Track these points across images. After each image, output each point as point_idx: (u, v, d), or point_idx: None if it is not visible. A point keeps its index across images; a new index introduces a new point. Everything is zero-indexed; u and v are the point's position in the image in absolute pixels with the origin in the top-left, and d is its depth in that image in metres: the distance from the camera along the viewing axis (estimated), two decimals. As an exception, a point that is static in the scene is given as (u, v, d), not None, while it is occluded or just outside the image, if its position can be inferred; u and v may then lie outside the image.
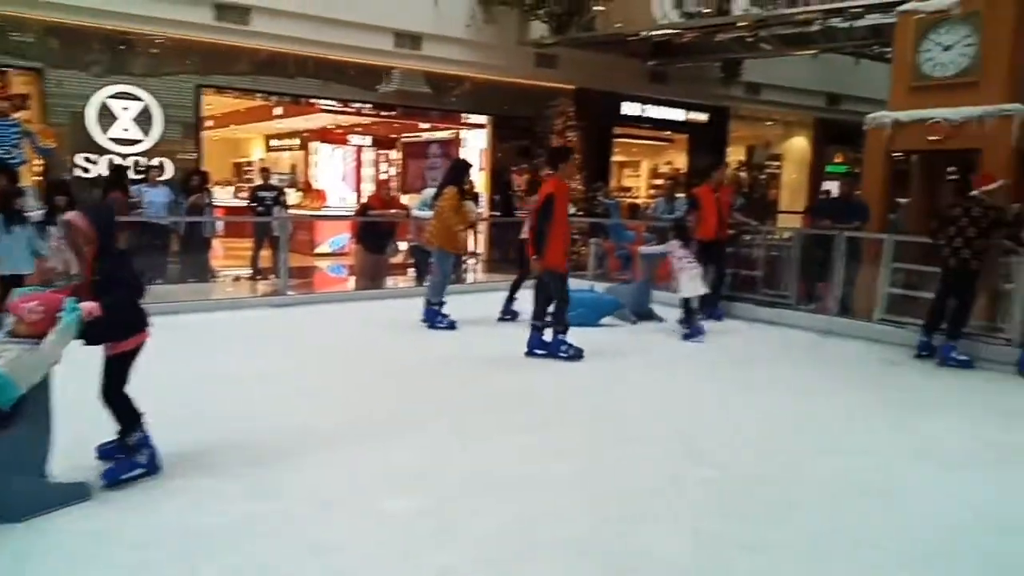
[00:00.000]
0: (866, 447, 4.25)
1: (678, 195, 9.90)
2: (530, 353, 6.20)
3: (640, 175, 19.08)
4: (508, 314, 7.83)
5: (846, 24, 11.90)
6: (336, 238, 14.24)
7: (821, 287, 8.54)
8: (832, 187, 12.06)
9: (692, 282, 7.20)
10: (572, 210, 8.38)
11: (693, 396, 5.27)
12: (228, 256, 11.55)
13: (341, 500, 3.28)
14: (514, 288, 7.85)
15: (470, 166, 8.05)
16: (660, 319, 8.03)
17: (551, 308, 6.11)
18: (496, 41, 12.82)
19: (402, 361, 6.01)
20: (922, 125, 7.64)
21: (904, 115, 7.81)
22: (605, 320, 7.77)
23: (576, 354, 6.05)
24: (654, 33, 12.96)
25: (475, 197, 12.91)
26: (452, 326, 7.29)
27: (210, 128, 14.67)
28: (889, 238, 7.57)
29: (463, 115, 14.74)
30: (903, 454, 4.13)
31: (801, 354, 6.83)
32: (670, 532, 3.07)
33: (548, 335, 6.18)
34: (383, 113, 14.68)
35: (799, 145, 20.02)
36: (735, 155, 18.77)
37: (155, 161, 10.31)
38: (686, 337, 7.16)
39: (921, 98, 7.72)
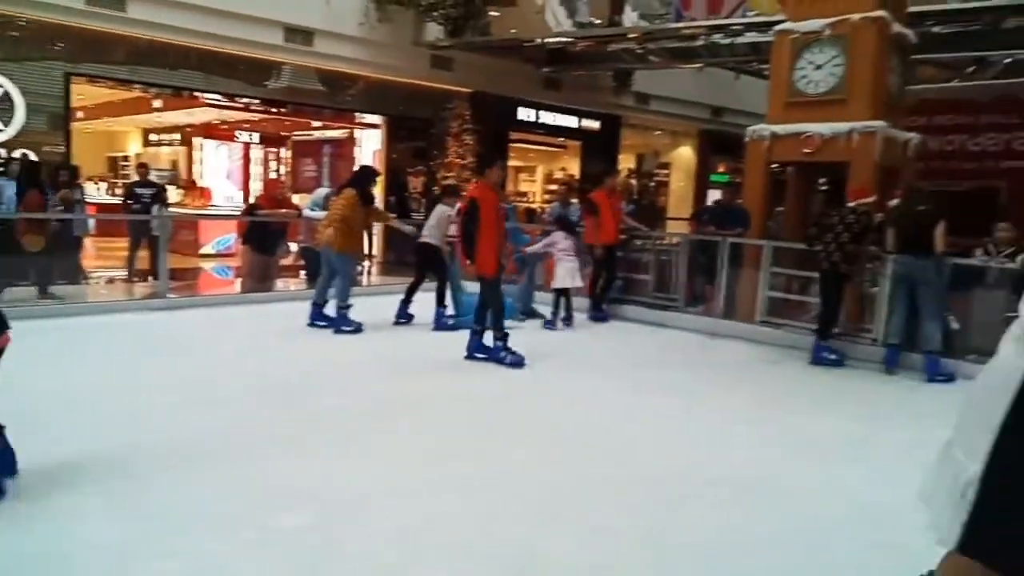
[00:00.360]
0: (749, 444, 4.46)
1: (572, 200, 10.09)
2: (469, 356, 6.19)
3: (536, 180, 19.37)
4: (403, 317, 7.73)
5: (728, 41, 12.54)
6: (222, 238, 13.61)
7: (708, 290, 8.95)
8: (716, 195, 12.67)
9: (568, 275, 7.79)
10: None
11: (589, 397, 5.36)
12: (101, 256, 10.80)
13: (229, 516, 3.10)
14: (410, 291, 7.76)
15: (377, 174, 8.02)
16: (543, 317, 8.18)
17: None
18: (390, 41, 12.65)
19: (297, 367, 5.80)
20: (797, 138, 8.12)
21: (781, 128, 8.28)
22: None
23: (517, 361, 6.01)
24: (548, 41, 13.19)
25: (371, 199, 12.69)
26: (359, 329, 7.14)
27: (81, 120, 13.69)
28: (768, 244, 8.01)
29: (357, 114, 14.46)
30: (784, 450, 4.37)
31: (689, 356, 7.12)
32: (566, 532, 3.10)
33: (489, 340, 6.18)
34: (273, 110, 14.18)
35: (685, 154, 20.90)
36: (626, 162, 19.37)
37: (16, 153, 9.49)
38: (547, 324, 7.90)
39: (796, 113, 8.21)
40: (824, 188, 10.27)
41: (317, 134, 16.34)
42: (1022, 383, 1.62)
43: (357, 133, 15.13)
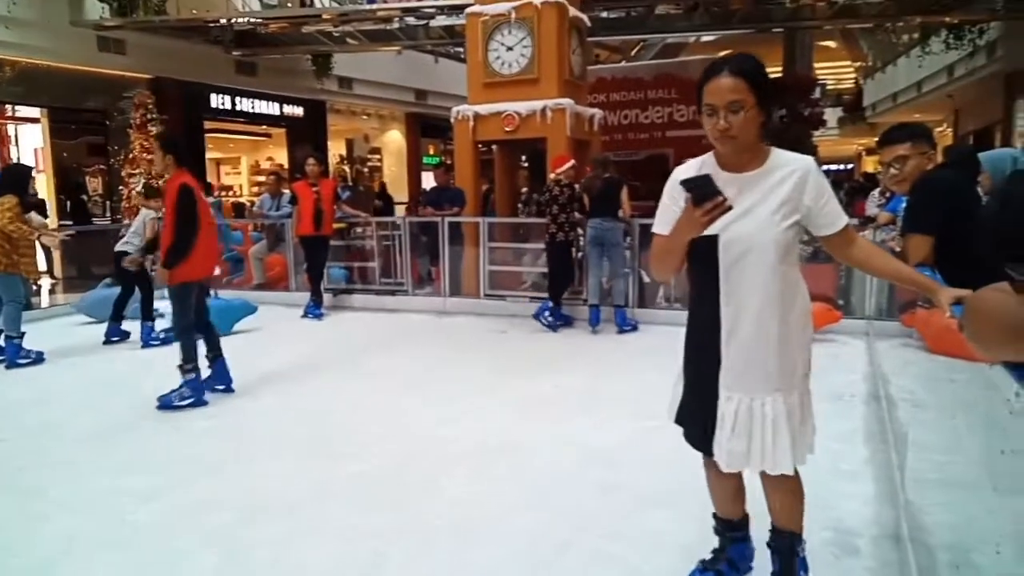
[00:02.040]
0: (487, 411, 4.61)
1: (285, 190, 9.57)
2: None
3: (241, 172, 18.09)
4: (116, 335, 6.80)
5: (422, 23, 12.76)
6: None
7: (433, 271, 9.10)
8: (430, 177, 12.92)
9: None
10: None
11: (318, 393, 5.13)
12: None
13: None
14: (118, 306, 6.83)
15: (29, 170, 6.70)
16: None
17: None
18: (43, 20, 10.86)
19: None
20: (498, 117, 8.54)
21: (483, 108, 8.63)
22: (238, 326, 7.19)
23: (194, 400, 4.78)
24: (235, 21, 12.31)
25: (41, 206, 10.88)
26: (40, 359, 6.05)
27: None
28: (483, 220, 8.35)
29: (7, 106, 12.25)
30: (519, 412, 4.58)
31: (420, 336, 7.18)
32: (326, 538, 2.92)
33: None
34: None
35: (395, 138, 21.04)
36: (335, 148, 18.95)
37: None
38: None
39: (494, 93, 8.61)
40: (526, 164, 10.99)
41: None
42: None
43: (11, 128, 12.81)
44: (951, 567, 2.17)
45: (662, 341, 6.56)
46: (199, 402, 4.77)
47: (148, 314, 6.83)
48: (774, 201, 2.02)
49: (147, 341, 6.73)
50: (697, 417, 2.21)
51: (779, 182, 2.03)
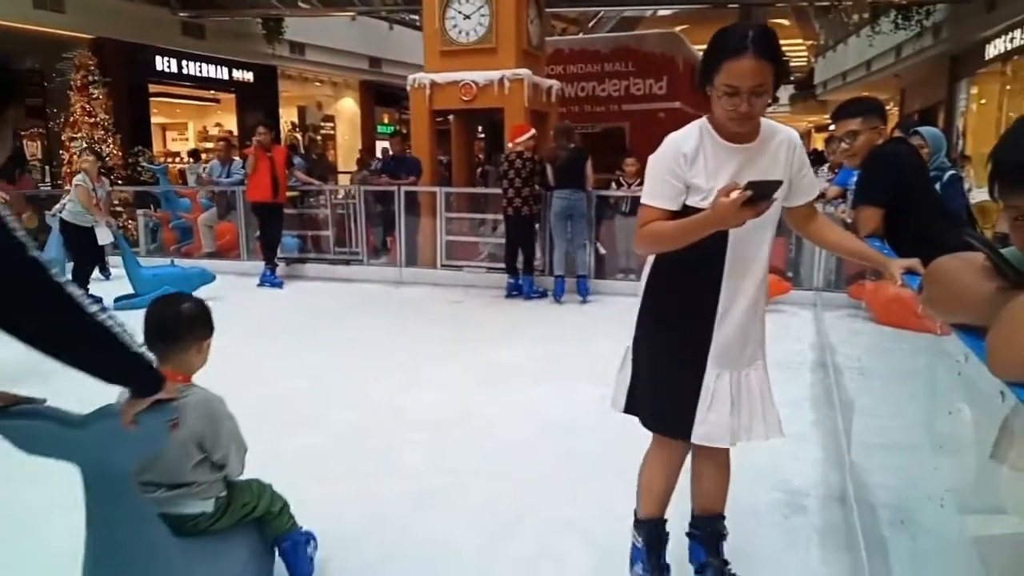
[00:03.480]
0: (446, 381, 4.62)
1: (234, 158, 9.32)
2: None
3: (188, 138, 17.52)
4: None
5: (379, -11, 12.47)
6: None
7: (389, 241, 9.01)
8: (385, 146, 12.71)
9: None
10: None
11: (274, 363, 5.06)
12: None
13: None
14: (82, 278, 6.66)
15: None
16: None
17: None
18: (-28, -27, 10.28)
19: None
20: (456, 86, 8.42)
21: (440, 77, 8.49)
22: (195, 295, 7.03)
23: None
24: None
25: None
26: None
27: None
28: (440, 190, 8.28)
29: (-65, 65, 11.57)
30: (476, 382, 4.60)
31: (376, 306, 7.12)
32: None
33: None
34: None
35: (349, 106, 20.64)
36: (287, 116, 18.52)
37: None
38: None
39: (452, 62, 8.48)
40: (482, 136, 10.90)
41: None
42: (646, 280, 2.13)
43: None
44: (895, 525, 2.27)
45: (620, 311, 6.66)
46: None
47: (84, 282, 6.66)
48: (776, 172, 1.97)
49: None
50: (674, 400, 2.09)
51: (775, 152, 2.00)
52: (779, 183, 1.85)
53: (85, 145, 9.85)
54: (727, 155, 1.93)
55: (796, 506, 2.92)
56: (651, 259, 2.13)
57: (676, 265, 2.02)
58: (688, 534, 2.35)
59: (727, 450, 2.19)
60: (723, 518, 2.28)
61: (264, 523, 2.25)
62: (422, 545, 2.66)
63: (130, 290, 6.71)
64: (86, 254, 6.75)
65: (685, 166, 1.95)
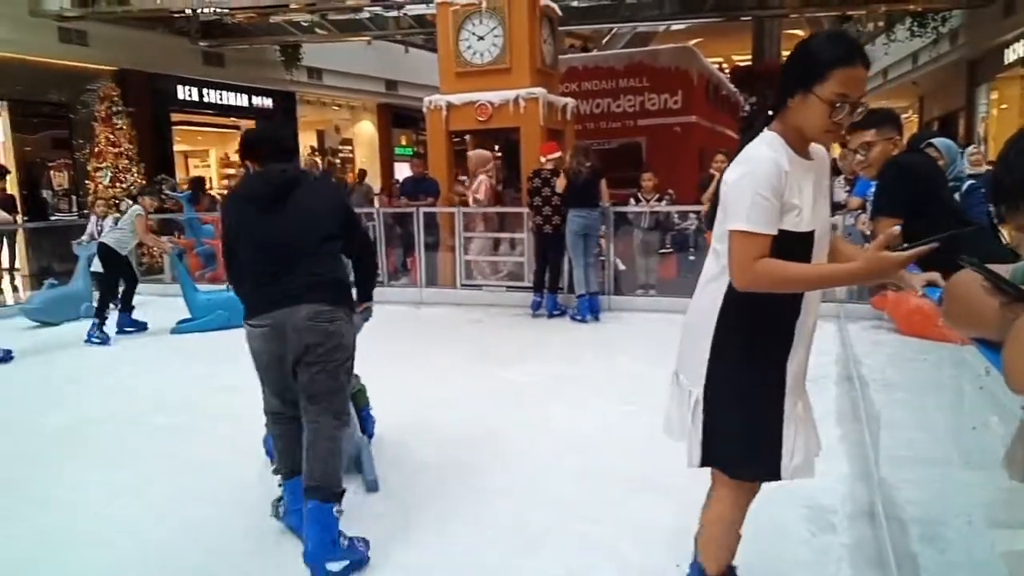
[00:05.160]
0: (465, 399, 4.62)
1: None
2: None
3: (210, 164, 17.82)
4: (131, 326, 7.02)
5: (393, 13, 12.64)
6: None
7: (409, 261, 9.07)
8: (404, 168, 12.81)
9: None
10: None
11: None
12: None
13: None
14: (125, 300, 6.99)
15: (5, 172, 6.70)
16: None
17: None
18: (1, 9, 10.56)
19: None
20: (471, 107, 8.50)
21: (455, 98, 8.59)
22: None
23: None
24: (200, 11, 12.08)
25: (10, 201, 10.68)
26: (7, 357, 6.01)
27: None
28: (459, 210, 8.33)
29: (-34, 100, 11.93)
30: (496, 400, 4.60)
31: (396, 326, 7.14)
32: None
33: None
34: None
35: (367, 129, 20.87)
36: (306, 140, 18.75)
37: None
38: None
39: (467, 82, 8.57)
40: (499, 156, 10.96)
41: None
42: (721, 308, 1.88)
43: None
44: (924, 540, 2.23)
45: (639, 328, 6.64)
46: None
47: (127, 305, 6.98)
48: (829, 185, 1.94)
49: (122, 328, 6.93)
50: (766, 440, 1.92)
51: (826, 169, 1.94)
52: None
53: (110, 174, 10.03)
54: (803, 171, 1.82)
55: (824, 523, 2.88)
56: (721, 287, 1.88)
57: (764, 300, 1.82)
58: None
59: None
60: None
61: (358, 394, 3.70)
62: (447, 562, 2.67)
63: (186, 314, 7.00)
64: (116, 278, 6.90)
65: (785, 183, 1.76)
